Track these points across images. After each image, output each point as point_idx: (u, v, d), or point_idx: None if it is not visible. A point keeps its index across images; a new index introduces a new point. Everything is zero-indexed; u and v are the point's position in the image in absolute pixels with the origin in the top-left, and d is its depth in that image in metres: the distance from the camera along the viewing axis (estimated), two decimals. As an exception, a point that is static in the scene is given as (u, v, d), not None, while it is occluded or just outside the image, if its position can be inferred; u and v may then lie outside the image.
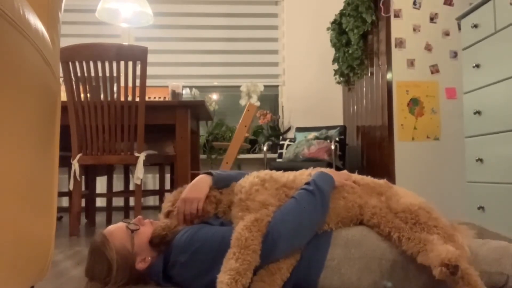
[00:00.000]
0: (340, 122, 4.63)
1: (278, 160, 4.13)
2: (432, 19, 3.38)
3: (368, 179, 1.45)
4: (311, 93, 4.79)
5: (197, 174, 3.51)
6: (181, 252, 1.26)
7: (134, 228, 1.32)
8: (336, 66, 4.30)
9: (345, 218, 1.33)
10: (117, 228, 1.35)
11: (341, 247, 1.26)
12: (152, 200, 4.41)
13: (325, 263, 1.24)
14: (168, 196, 1.44)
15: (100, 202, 4.11)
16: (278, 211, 1.21)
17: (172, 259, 1.28)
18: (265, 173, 1.39)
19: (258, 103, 4.37)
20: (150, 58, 2.88)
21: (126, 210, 3.67)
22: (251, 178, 1.36)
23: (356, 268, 1.23)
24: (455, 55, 3.36)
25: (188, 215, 1.36)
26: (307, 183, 1.32)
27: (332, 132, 3.92)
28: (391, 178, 3.25)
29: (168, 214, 1.38)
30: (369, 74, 3.83)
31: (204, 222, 1.37)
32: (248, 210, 1.22)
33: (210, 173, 1.44)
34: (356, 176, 1.46)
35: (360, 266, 1.23)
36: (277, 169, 1.59)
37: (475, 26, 2.27)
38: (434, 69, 3.36)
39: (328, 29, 4.31)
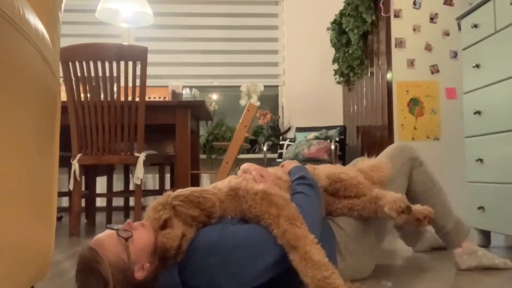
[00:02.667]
0: (340, 122, 4.63)
1: (278, 160, 4.12)
2: (432, 19, 3.38)
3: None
4: (311, 93, 4.79)
5: (197, 174, 3.48)
6: (212, 254, 1.17)
7: (127, 235, 1.14)
8: (336, 66, 4.30)
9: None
10: (107, 238, 1.15)
11: (337, 231, 1.45)
12: (152, 200, 4.38)
13: (336, 251, 1.41)
14: (154, 205, 1.25)
15: (100, 202, 4.11)
16: (298, 207, 1.27)
17: (198, 263, 1.17)
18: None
19: (258, 103, 4.37)
20: (150, 58, 2.88)
21: (126, 210, 3.67)
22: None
23: (358, 239, 1.45)
24: (455, 55, 3.36)
25: (258, 177, 1.38)
26: (301, 177, 1.43)
27: (332, 132, 3.92)
28: (391, 178, 3.24)
29: (166, 223, 1.20)
30: (369, 74, 3.83)
31: (219, 222, 1.27)
32: (276, 206, 1.22)
33: None
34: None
35: (360, 237, 1.46)
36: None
37: (475, 26, 2.27)
38: (434, 69, 3.36)
39: (328, 29, 4.31)
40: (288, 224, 1.17)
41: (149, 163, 3.12)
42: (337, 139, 3.87)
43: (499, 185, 2.06)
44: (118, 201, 4.04)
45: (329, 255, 1.32)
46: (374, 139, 3.69)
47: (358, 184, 1.50)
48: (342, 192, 1.49)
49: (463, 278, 1.51)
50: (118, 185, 4.11)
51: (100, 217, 3.68)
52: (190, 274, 1.17)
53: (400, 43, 3.37)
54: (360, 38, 3.85)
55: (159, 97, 3.50)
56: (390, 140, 3.34)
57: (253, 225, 1.26)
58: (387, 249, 2.08)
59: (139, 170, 2.64)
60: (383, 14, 3.45)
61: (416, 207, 1.41)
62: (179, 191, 1.29)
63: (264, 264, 1.18)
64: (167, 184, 3.93)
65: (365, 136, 3.97)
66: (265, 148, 4.21)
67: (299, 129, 4.30)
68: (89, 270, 1.09)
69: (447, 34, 3.37)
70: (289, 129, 4.71)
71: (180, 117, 2.81)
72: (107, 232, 1.18)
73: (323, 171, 1.54)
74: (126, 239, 1.14)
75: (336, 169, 1.56)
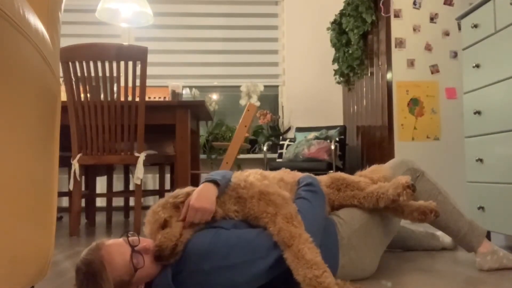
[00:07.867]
0: (340, 122, 4.63)
1: (278, 160, 4.12)
2: (432, 19, 3.38)
3: None
4: (311, 93, 4.79)
5: (197, 174, 3.46)
6: (204, 260, 1.18)
7: (139, 266, 1.14)
8: (336, 66, 4.30)
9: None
10: (119, 257, 1.14)
11: (341, 225, 1.44)
12: (152, 200, 4.41)
13: (339, 245, 1.39)
14: (153, 208, 1.26)
15: (100, 202, 4.11)
16: (299, 212, 1.27)
17: (192, 268, 1.18)
18: (255, 171, 1.47)
19: (258, 103, 4.37)
20: (150, 58, 2.88)
21: (126, 210, 3.67)
22: (251, 176, 1.38)
23: (362, 234, 1.45)
24: (455, 55, 3.36)
25: (195, 224, 1.25)
26: (308, 184, 1.44)
27: (332, 132, 3.92)
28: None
29: (166, 222, 1.22)
30: (369, 74, 3.83)
31: (213, 226, 1.27)
32: (274, 205, 1.24)
33: (215, 182, 1.31)
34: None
35: (363, 231, 1.45)
36: (278, 169, 1.63)
37: (475, 26, 2.27)
38: (434, 69, 3.36)
39: (328, 29, 4.31)
40: (284, 222, 1.19)
41: (149, 163, 3.12)
42: (337, 139, 3.87)
43: (499, 185, 2.06)
44: (118, 201, 4.04)
45: (331, 250, 1.34)
46: (374, 139, 3.69)
47: (359, 182, 1.54)
48: (344, 189, 1.54)
49: (463, 277, 1.51)
50: (118, 185, 4.11)
51: (100, 217, 3.68)
52: (184, 279, 1.19)
53: (400, 43, 3.37)
54: (360, 38, 3.85)
55: (159, 97, 3.50)
56: (390, 140, 3.34)
57: (247, 230, 1.26)
58: (386, 249, 2.08)
59: (139, 170, 2.64)
60: (383, 14, 3.45)
61: (421, 203, 1.44)
62: (178, 191, 1.31)
63: (256, 269, 1.18)
64: (167, 184, 3.92)
65: (365, 136, 3.97)
66: (265, 148, 4.20)
67: (299, 129, 4.30)
68: (90, 280, 1.10)
69: (447, 34, 3.37)
70: (289, 129, 4.71)
71: (180, 117, 2.81)
72: (122, 247, 1.16)
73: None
74: (136, 270, 1.14)
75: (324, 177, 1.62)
